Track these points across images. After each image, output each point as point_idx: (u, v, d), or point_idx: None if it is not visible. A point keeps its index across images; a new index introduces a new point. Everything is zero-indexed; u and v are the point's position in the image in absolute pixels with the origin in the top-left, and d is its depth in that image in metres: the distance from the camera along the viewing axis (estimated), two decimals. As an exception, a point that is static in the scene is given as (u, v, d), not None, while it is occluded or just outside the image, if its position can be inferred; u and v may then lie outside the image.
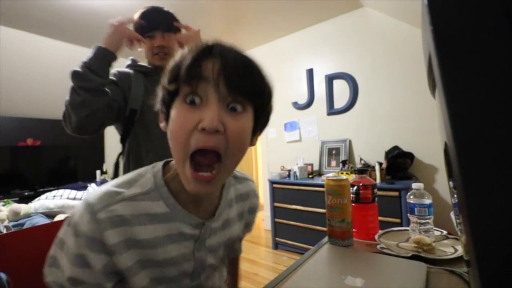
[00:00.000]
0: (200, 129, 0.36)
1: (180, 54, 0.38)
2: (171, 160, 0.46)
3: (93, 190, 0.39)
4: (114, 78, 0.91)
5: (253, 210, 0.60)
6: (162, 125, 0.42)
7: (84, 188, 2.36)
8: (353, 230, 0.82)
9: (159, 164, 0.46)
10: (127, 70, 0.97)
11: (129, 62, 0.99)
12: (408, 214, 0.73)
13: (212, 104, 0.36)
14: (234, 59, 0.38)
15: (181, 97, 0.38)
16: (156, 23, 0.92)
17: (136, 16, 0.94)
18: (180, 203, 0.43)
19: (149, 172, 0.44)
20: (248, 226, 0.60)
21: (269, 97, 0.43)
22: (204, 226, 0.45)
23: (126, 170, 0.95)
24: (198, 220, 0.44)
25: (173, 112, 0.38)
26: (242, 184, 0.57)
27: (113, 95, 0.85)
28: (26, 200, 2.11)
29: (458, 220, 0.35)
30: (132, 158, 0.94)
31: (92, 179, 3.47)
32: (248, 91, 0.38)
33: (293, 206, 2.33)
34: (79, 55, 2.91)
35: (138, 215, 0.40)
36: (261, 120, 0.43)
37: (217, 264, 0.50)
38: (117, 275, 0.40)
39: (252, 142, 0.44)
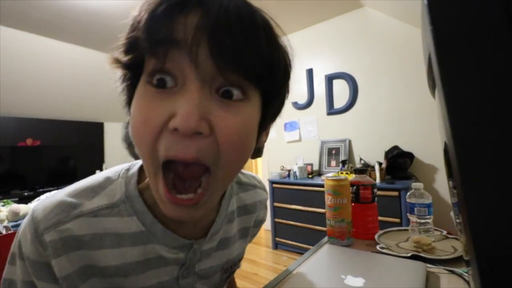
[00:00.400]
0: (171, 129, 0.23)
1: (143, 4, 0.24)
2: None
3: (44, 198, 0.29)
4: None
5: (259, 223, 0.48)
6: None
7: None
8: (353, 229, 0.82)
9: (136, 165, 0.33)
10: None
11: None
12: (408, 214, 0.73)
13: (190, 89, 0.23)
14: (225, 8, 0.22)
15: (145, 76, 0.24)
16: None
17: None
18: (159, 219, 0.31)
19: (121, 177, 0.32)
20: (250, 239, 0.48)
21: (286, 73, 0.29)
22: (193, 249, 0.34)
23: None
24: (184, 241, 0.33)
25: (135, 100, 0.25)
26: (248, 193, 0.44)
27: None
28: (26, 200, 2.11)
29: (457, 220, 0.35)
30: None
31: (92, 179, 3.46)
32: (252, 66, 0.23)
33: (293, 206, 2.33)
34: (79, 55, 2.88)
35: (101, 236, 0.29)
36: (272, 109, 0.29)
37: None
38: None
39: (260, 141, 0.31)
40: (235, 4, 0.23)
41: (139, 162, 0.33)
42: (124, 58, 0.25)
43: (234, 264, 0.42)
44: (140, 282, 0.31)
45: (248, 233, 0.44)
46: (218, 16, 0.22)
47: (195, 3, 0.22)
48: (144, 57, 0.24)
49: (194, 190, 0.25)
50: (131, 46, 0.24)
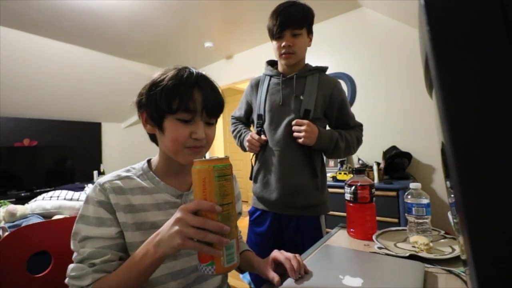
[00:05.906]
0: (193, 138, 0.55)
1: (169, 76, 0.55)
2: (150, 159, 0.63)
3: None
4: (244, 99, 1.11)
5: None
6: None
7: (81, 188, 2.35)
8: (351, 230, 0.82)
9: (144, 161, 0.63)
10: (257, 78, 1.07)
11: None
12: (406, 214, 0.73)
13: (198, 122, 0.55)
14: (210, 90, 0.56)
15: (174, 118, 0.55)
16: (285, 24, 0.89)
17: (269, 16, 0.93)
18: (163, 181, 0.59)
19: (139, 165, 0.61)
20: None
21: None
22: (183, 196, 0.59)
23: (255, 162, 1.06)
24: (178, 192, 0.59)
25: (170, 125, 0.56)
26: None
27: (244, 119, 1.13)
28: (23, 201, 2.09)
29: (455, 220, 0.35)
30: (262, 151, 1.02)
31: (90, 179, 3.45)
32: (218, 113, 0.58)
33: (292, 206, 2.32)
34: (76, 55, 2.84)
35: (132, 188, 0.55)
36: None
37: None
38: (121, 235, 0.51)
39: None
40: (210, 85, 0.57)
41: (145, 161, 0.62)
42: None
43: None
44: (155, 216, 0.55)
45: None
46: (207, 95, 0.55)
47: (197, 87, 0.54)
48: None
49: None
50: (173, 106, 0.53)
